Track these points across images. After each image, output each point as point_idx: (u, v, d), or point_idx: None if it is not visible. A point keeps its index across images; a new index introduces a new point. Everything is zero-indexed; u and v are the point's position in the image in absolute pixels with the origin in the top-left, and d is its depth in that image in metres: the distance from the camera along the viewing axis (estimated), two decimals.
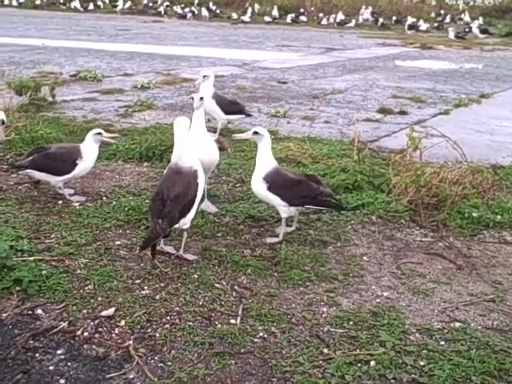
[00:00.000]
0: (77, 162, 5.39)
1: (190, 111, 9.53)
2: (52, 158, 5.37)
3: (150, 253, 4.21)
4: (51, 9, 37.57)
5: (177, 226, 4.22)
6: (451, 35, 26.96)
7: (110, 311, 3.69)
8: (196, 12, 36.10)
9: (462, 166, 5.99)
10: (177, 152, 4.40)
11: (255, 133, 4.78)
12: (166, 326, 3.59)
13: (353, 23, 33.30)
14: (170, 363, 3.26)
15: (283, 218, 4.81)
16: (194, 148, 4.54)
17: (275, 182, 4.70)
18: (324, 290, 4.11)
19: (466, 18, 34.83)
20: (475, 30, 28.78)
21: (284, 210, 4.77)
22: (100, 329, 3.54)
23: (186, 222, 4.28)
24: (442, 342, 3.56)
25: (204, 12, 34.73)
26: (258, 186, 4.78)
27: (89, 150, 5.44)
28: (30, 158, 5.41)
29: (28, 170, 5.42)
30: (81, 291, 3.93)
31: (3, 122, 6.00)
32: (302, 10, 36.41)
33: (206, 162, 4.85)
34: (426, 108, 10.78)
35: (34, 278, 3.95)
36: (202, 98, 4.99)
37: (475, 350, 3.46)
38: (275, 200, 4.75)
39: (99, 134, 5.47)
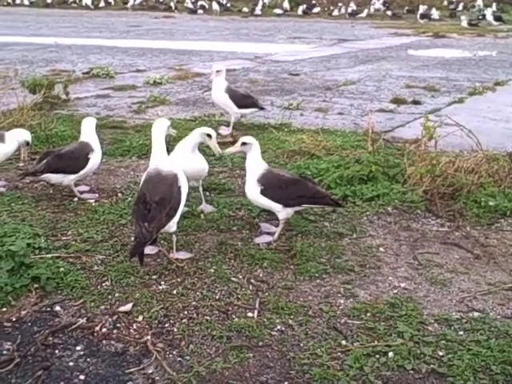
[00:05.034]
0: (89, 156, 5.42)
1: (202, 105, 9.61)
2: (65, 157, 5.36)
3: (139, 259, 4.08)
4: (62, 7, 37.70)
5: (163, 229, 4.11)
6: (464, 23, 26.77)
7: (128, 307, 3.71)
8: (206, 6, 36.09)
9: (478, 154, 5.94)
10: (155, 156, 4.33)
11: (243, 143, 4.65)
12: (184, 320, 3.61)
13: (364, 13, 33.17)
14: (188, 357, 3.27)
15: (281, 220, 4.67)
16: (182, 160, 4.63)
17: (270, 183, 4.57)
18: (341, 282, 4.10)
19: (479, 3, 34.51)
20: (489, 17, 28.51)
21: (281, 211, 4.63)
22: (118, 324, 3.56)
23: (171, 225, 4.14)
24: (461, 332, 3.54)
25: (215, 6, 34.70)
26: (252, 191, 4.63)
27: (94, 141, 5.51)
28: (44, 161, 5.33)
29: (44, 175, 5.35)
30: (98, 287, 3.95)
31: (28, 143, 5.88)
32: (313, 2, 36.28)
33: (195, 173, 4.95)
34: (440, 97, 10.70)
35: (52, 275, 3.98)
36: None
37: (494, 340, 3.43)
38: (270, 204, 4.60)
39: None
